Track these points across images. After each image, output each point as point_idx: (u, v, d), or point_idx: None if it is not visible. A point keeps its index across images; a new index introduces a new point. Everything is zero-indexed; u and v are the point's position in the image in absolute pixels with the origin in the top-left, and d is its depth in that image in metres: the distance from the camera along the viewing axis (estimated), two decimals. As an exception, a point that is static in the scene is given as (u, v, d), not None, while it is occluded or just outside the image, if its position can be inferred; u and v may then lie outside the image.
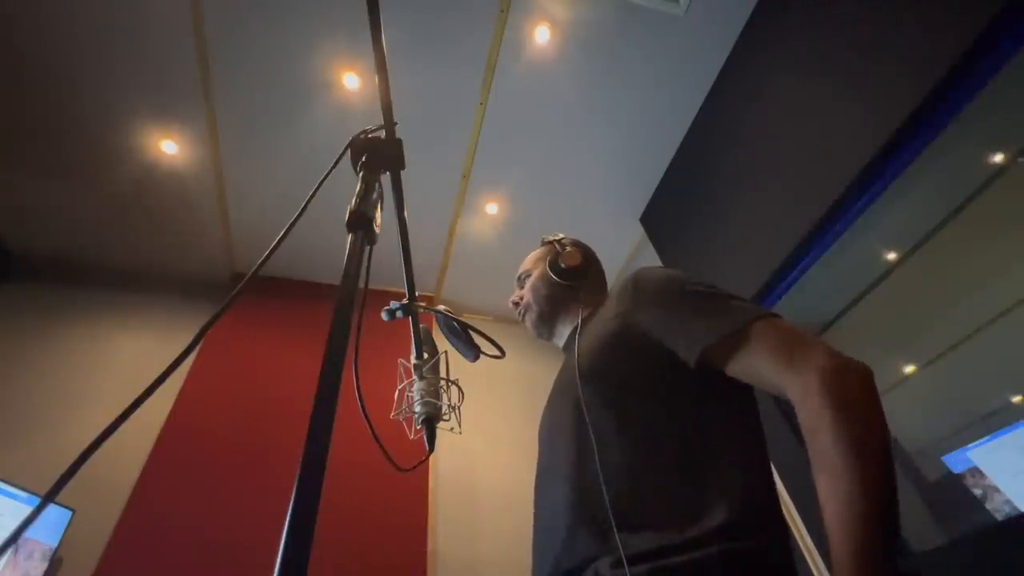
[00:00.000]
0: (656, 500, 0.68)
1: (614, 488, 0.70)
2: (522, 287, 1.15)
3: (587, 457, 0.75)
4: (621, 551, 0.63)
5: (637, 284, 0.88)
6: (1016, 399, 1.94)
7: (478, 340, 1.04)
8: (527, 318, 1.12)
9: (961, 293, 2.07)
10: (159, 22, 1.99)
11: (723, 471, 0.70)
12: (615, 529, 0.66)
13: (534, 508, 0.86)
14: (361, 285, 0.58)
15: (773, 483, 0.74)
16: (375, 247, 0.65)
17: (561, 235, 1.16)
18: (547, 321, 1.09)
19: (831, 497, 0.59)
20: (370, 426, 0.81)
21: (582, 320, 1.00)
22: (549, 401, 0.97)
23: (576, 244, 1.14)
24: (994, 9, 1.23)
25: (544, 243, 1.19)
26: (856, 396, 0.63)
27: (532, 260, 1.17)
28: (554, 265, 1.07)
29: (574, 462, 0.77)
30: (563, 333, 1.07)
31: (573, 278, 1.05)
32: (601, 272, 1.14)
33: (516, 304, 1.15)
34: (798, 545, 1.72)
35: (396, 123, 0.72)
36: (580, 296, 1.06)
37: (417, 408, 0.97)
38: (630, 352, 0.81)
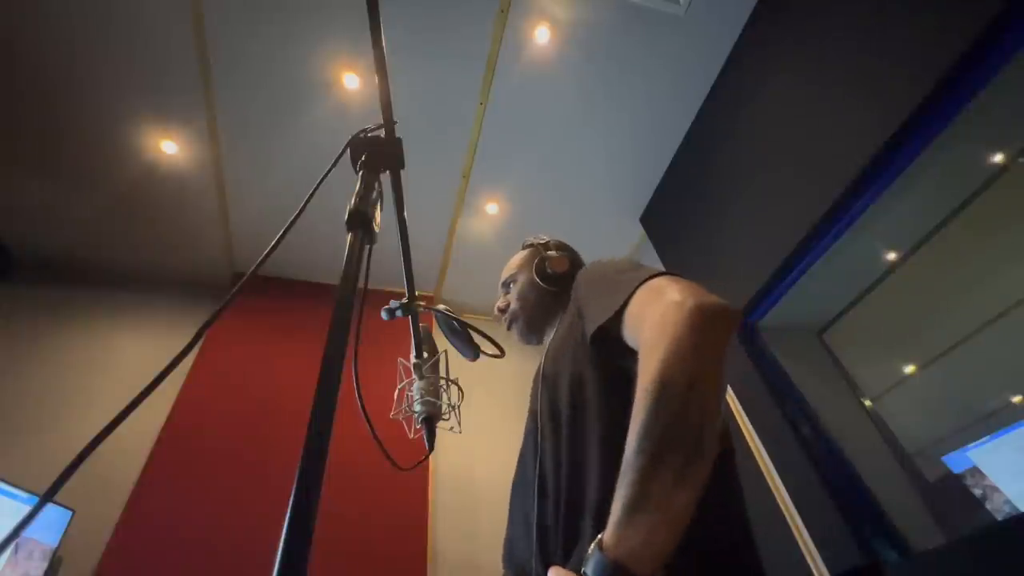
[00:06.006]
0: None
1: (572, 500, 0.68)
2: (508, 292, 1.11)
3: (550, 466, 0.74)
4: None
5: (577, 282, 0.86)
6: (1016, 399, 1.95)
7: (478, 339, 1.04)
8: (515, 327, 1.08)
9: (961, 293, 2.07)
10: (159, 22, 1.99)
11: None
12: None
13: (508, 515, 0.85)
14: (361, 285, 0.58)
15: (735, 495, 0.69)
16: (375, 247, 0.64)
17: (545, 237, 1.12)
18: (536, 327, 1.06)
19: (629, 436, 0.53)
20: (370, 426, 0.81)
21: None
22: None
23: (560, 247, 1.10)
24: (994, 9, 1.23)
25: (526, 246, 1.14)
26: (674, 340, 0.55)
27: (516, 264, 1.12)
28: (542, 272, 1.04)
29: (540, 472, 0.76)
30: (550, 336, 1.05)
31: (561, 283, 1.02)
32: None
33: (502, 311, 1.10)
34: (799, 546, 1.72)
35: (396, 122, 0.71)
36: (568, 299, 1.03)
37: (417, 407, 0.97)
38: (579, 351, 0.78)
